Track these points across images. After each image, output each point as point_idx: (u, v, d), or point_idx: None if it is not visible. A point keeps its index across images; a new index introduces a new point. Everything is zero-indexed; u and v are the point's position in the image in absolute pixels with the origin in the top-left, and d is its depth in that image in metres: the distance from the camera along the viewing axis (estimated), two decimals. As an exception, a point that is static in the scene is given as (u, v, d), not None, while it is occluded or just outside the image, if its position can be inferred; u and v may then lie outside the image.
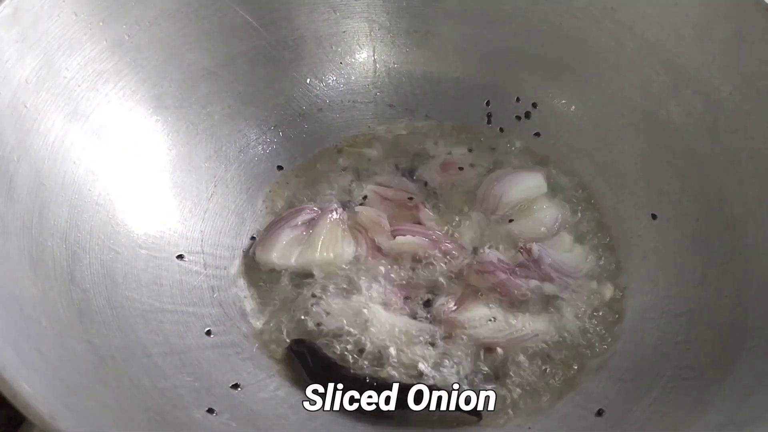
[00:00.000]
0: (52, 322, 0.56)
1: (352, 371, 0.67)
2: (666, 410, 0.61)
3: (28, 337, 0.53)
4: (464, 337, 0.69)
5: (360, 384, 0.66)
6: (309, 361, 0.68)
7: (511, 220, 0.78)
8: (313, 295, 0.73)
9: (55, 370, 0.52)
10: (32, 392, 0.47)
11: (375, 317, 0.70)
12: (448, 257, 0.75)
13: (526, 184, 0.80)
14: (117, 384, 0.57)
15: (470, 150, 0.86)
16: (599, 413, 0.63)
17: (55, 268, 0.60)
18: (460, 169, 0.84)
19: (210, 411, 0.60)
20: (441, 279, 0.74)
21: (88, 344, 0.58)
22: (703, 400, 0.59)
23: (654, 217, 0.76)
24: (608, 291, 0.74)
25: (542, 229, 0.78)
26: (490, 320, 0.70)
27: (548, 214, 0.79)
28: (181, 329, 0.67)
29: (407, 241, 0.75)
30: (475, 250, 0.76)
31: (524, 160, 0.85)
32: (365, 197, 0.81)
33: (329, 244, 0.75)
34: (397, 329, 0.70)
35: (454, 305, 0.71)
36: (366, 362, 0.68)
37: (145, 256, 0.70)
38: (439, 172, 0.83)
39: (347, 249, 0.76)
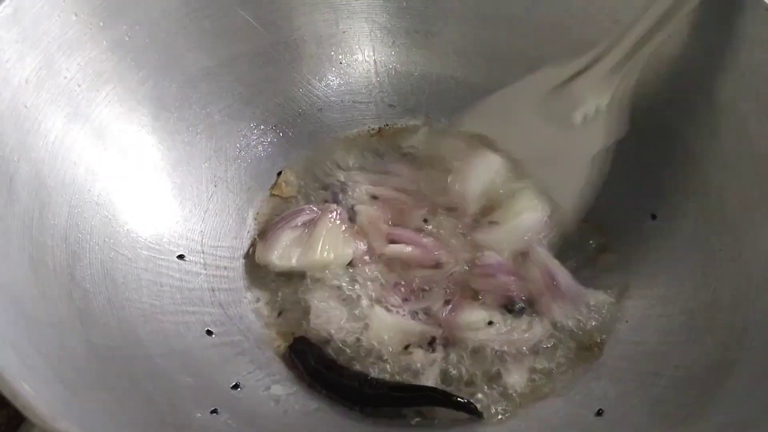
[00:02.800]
0: (52, 323, 0.56)
1: (352, 371, 0.67)
2: (666, 410, 0.61)
3: (28, 337, 0.53)
4: (463, 339, 0.69)
5: (360, 384, 0.66)
6: (310, 360, 0.68)
7: (492, 222, 0.75)
8: (313, 296, 0.73)
9: (55, 370, 0.52)
10: (32, 392, 0.47)
11: (374, 318, 0.70)
12: (443, 264, 0.74)
13: (479, 169, 0.76)
14: (117, 384, 0.57)
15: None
16: (599, 413, 0.63)
17: (55, 268, 0.60)
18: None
19: (210, 411, 0.60)
20: (440, 281, 0.74)
21: (88, 344, 0.58)
22: (703, 400, 0.59)
23: (654, 217, 0.76)
24: (607, 292, 0.74)
25: (527, 230, 0.74)
26: (489, 322, 0.70)
27: (532, 214, 0.74)
28: (181, 329, 0.67)
29: (400, 250, 0.75)
30: (470, 256, 0.75)
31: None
32: (363, 197, 0.81)
33: (330, 244, 0.75)
34: (396, 330, 0.70)
35: (453, 308, 0.71)
36: (365, 363, 0.68)
37: (145, 257, 0.70)
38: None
39: (347, 250, 0.76)
